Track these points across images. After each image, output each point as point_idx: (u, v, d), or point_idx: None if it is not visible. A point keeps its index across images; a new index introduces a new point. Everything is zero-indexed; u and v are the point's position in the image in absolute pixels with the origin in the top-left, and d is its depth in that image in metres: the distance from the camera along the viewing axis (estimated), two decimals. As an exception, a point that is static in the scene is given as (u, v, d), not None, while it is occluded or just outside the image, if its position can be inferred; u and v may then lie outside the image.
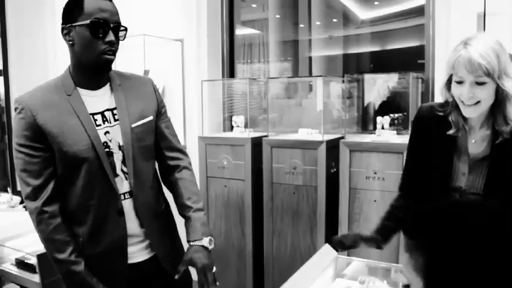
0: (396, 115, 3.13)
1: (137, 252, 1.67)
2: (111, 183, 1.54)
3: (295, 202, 3.13)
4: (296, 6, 6.09)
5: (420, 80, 3.24)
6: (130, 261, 1.65)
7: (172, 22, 3.67)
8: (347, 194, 2.92)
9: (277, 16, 6.23)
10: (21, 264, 2.25)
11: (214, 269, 1.62)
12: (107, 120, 1.58)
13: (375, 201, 2.85)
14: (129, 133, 1.58)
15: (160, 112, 1.74)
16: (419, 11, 4.13)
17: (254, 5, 6.10)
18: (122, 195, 1.59)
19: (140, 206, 1.63)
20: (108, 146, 1.56)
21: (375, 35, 6.40)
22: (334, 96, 3.81)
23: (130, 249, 1.64)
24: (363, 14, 6.48)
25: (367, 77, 3.76)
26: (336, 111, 3.78)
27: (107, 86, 1.62)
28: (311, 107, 3.86)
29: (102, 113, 1.58)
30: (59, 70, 3.93)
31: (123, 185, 1.60)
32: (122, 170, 1.60)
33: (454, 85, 1.50)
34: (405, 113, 3.18)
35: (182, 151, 1.80)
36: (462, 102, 1.49)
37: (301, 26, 6.29)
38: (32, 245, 2.32)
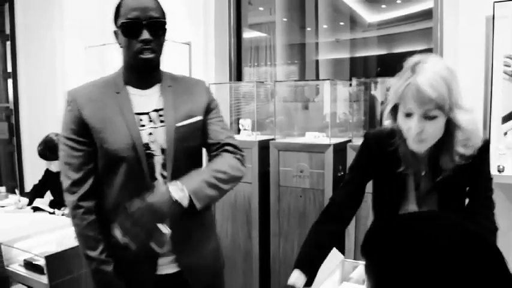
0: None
1: (168, 264, 1.60)
2: (147, 186, 1.48)
3: (302, 205, 3.13)
4: (303, 9, 6.10)
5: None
6: (160, 272, 1.59)
7: (179, 25, 3.68)
8: (354, 197, 2.91)
9: (284, 19, 6.24)
10: (29, 265, 2.27)
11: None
12: (152, 121, 1.54)
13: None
14: (172, 132, 1.52)
15: (209, 110, 1.65)
16: (426, 14, 4.12)
17: (261, 8, 6.11)
18: None
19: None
20: (149, 148, 1.52)
21: (382, 38, 6.39)
22: (341, 100, 3.81)
23: (161, 260, 1.58)
24: (370, 17, 6.48)
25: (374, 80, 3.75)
26: (343, 114, 3.78)
27: (157, 86, 1.58)
28: (318, 110, 3.86)
29: (148, 114, 1.54)
30: (66, 73, 3.98)
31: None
32: (162, 174, 1.54)
33: (401, 117, 1.36)
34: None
35: (231, 144, 1.61)
36: (409, 136, 1.36)
37: (308, 29, 6.30)
38: (40, 247, 2.34)
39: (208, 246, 1.72)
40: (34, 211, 2.99)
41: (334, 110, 3.65)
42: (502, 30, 2.49)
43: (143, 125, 1.52)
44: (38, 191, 3.22)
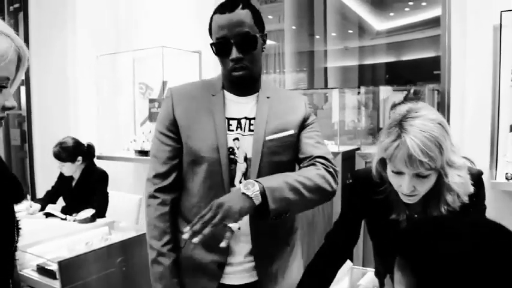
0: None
1: (236, 274, 1.53)
2: (224, 190, 1.45)
3: (311, 213, 3.14)
4: (312, 17, 6.14)
5: (436, 92, 3.24)
6: (225, 281, 1.53)
7: (190, 34, 3.73)
8: (362, 205, 2.92)
9: (293, 27, 6.28)
10: (42, 270, 2.30)
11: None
12: (240, 127, 1.50)
13: (390, 212, 2.84)
14: (260, 145, 1.47)
15: (305, 125, 1.56)
16: (434, 22, 4.14)
17: (270, 16, 6.16)
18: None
19: (255, 225, 1.49)
20: (233, 153, 1.49)
21: (390, 46, 6.42)
22: (349, 107, 3.83)
23: (228, 269, 1.52)
24: (378, 25, 6.51)
25: (383, 88, 3.77)
26: (351, 122, 3.80)
27: (254, 96, 1.54)
28: (326, 117, 3.88)
29: (238, 120, 1.51)
30: (78, 81, 4.03)
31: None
32: (241, 182, 1.47)
33: (391, 174, 1.31)
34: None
35: (324, 157, 1.48)
36: (400, 191, 1.32)
37: (317, 37, 6.34)
38: (52, 252, 2.38)
39: (291, 272, 1.65)
40: (46, 217, 3.03)
41: (342, 118, 3.67)
42: (509, 39, 2.50)
43: (231, 130, 1.50)
44: (50, 197, 3.26)
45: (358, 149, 3.08)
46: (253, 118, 1.50)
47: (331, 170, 1.45)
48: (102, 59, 4.05)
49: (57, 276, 2.16)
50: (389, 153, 1.24)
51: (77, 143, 3.07)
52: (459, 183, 1.30)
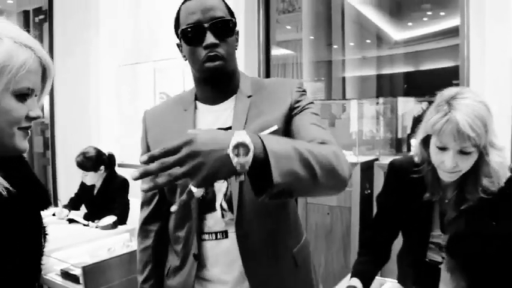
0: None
1: None
2: (198, 219, 1.24)
3: (329, 222, 3.16)
4: (330, 27, 6.17)
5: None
6: None
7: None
8: (381, 215, 2.93)
9: (311, 37, 6.31)
10: (65, 274, 2.36)
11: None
12: None
13: (408, 223, 2.85)
14: None
15: (293, 111, 1.24)
16: (453, 32, 4.13)
17: (289, 27, 6.21)
18: (212, 235, 1.24)
19: (248, 253, 1.21)
20: None
21: (408, 56, 6.40)
22: (367, 117, 3.84)
23: None
24: (396, 34, 6.50)
25: (401, 99, 3.78)
26: (369, 132, 3.81)
27: (231, 100, 1.28)
28: (344, 127, 3.90)
29: None
30: (100, 90, 4.12)
31: (217, 222, 1.24)
32: (221, 206, 1.24)
33: (434, 150, 1.36)
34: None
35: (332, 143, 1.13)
36: (441, 168, 1.37)
37: (335, 46, 6.36)
38: (75, 257, 2.44)
39: None
40: (70, 223, 3.11)
41: (360, 128, 3.69)
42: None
43: None
44: (74, 204, 3.34)
45: (376, 159, 3.09)
46: (230, 127, 1.23)
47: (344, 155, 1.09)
48: (124, 68, 4.13)
49: (81, 281, 2.22)
50: (438, 128, 1.29)
51: (99, 153, 3.15)
52: (499, 162, 1.35)
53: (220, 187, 1.24)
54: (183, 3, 1.25)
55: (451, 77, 3.77)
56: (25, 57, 0.92)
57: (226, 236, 1.23)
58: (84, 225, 3.03)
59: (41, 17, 5.16)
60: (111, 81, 4.15)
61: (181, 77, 3.68)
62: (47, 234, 1.22)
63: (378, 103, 3.52)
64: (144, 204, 1.41)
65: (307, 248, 1.39)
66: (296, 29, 6.37)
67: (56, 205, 3.48)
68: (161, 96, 4.06)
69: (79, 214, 3.22)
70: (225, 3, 1.25)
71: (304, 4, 6.05)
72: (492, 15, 2.67)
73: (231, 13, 1.25)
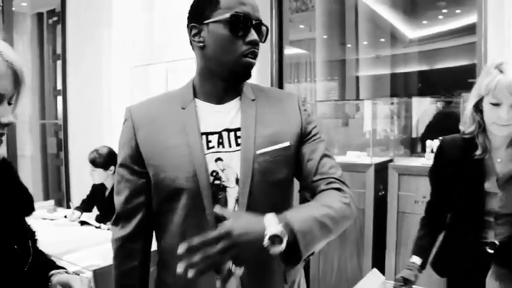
0: (446, 138, 3.08)
1: None
2: (208, 226, 1.14)
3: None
4: (343, 26, 6.11)
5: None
6: None
7: (222, 45, 3.76)
8: (395, 217, 2.89)
9: (324, 36, 6.26)
10: (76, 278, 2.36)
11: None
12: (222, 143, 1.20)
13: (423, 225, 2.80)
14: (250, 161, 1.17)
15: (305, 134, 1.26)
16: (469, 30, 4.06)
17: (302, 26, 6.17)
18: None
19: (249, 273, 1.12)
20: (218, 178, 1.18)
21: (423, 54, 6.32)
22: (381, 118, 3.79)
23: None
24: (411, 33, 6.42)
25: (415, 99, 3.72)
26: (383, 131, 3.76)
27: (236, 100, 1.24)
28: (358, 126, 3.85)
29: (219, 134, 1.20)
30: (112, 91, 4.12)
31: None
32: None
33: (488, 108, 1.54)
34: (455, 136, 3.12)
35: (338, 180, 1.20)
36: (495, 123, 1.54)
37: (348, 45, 6.30)
38: (87, 260, 2.43)
39: None
40: (81, 225, 3.11)
41: (374, 127, 3.64)
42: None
43: (211, 148, 1.19)
44: (86, 206, 3.35)
45: (391, 160, 3.04)
46: (238, 129, 1.20)
47: (349, 199, 1.16)
48: (136, 70, 4.12)
49: (92, 284, 2.20)
50: (492, 86, 1.50)
51: (112, 153, 3.14)
52: None
53: (233, 192, 1.19)
54: None
55: (466, 75, 3.70)
56: None
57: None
58: (96, 227, 3.03)
59: (55, 19, 5.20)
60: (123, 82, 4.15)
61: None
62: (36, 239, 1.20)
63: (392, 103, 3.47)
64: (122, 218, 1.25)
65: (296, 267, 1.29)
66: (309, 28, 6.33)
67: (68, 207, 3.48)
68: (173, 97, 4.04)
69: (91, 216, 3.21)
70: None
71: (317, 3, 6.00)
72: (511, 13, 2.61)
73: None
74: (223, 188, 1.18)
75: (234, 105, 1.23)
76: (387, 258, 2.94)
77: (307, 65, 6.42)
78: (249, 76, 1.20)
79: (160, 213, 1.24)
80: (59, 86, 4.81)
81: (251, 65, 1.17)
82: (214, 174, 1.18)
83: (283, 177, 1.22)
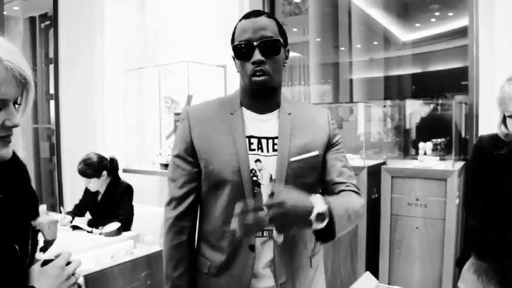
0: (439, 140, 3.09)
1: None
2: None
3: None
4: (336, 29, 6.11)
5: (464, 104, 3.19)
6: None
7: (215, 49, 3.76)
8: (388, 220, 2.88)
9: (318, 39, 6.27)
10: (68, 283, 2.33)
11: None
12: (261, 148, 1.42)
13: (416, 228, 2.80)
14: (285, 166, 1.39)
15: (330, 144, 1.48)
16: (461, 32, 4.07)
17: (295, 29, 6.17)
18: (263, 232, 1.41)
19: (281, 251, 1.41)
20: (255, 175, 1.40)
21: (416, 57, 6.33)
22: (375, 120, 3.79)
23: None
24: (404, 36, 6.43)
25: (409, 102, 3.72)
26: (377, 133, 3.76)
27: (275, 112, 1.46)
28: (352, 130, 3.85)
29: (259, 139, 1.42)
30: (105, 95, 4.11)
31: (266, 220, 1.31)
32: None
33: (509, 121, 1.66)
34: (448, 138, 3.13)
35: (355, 185, 1.45)
36: None
37: (342, 48, 6.31)
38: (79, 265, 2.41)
39: None
40: (73, 230, 3.08)
41: (368, 130, 3.64)
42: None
43: (252, 149, 1.41)
44: (78, 210, 3.32)
45: (384, 163, 3.04)
46: (276, 137, 1.42)
47: (363, 202, 1.41)
48: (129, 73, 4.11)
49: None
50: (501, 98, 1.66)
51: (101, 158, 3.12)
52: None
53: (266, 189, 1.40)
54: (239, 21, 1.41)
55: (459, 78, 3.71)
56: None
57: (271, 236, 1.40)
58: (88, 231, 3.01)
59: (47, 22, 5.18)
60: (116, 86, 4.14)
61: (185, 81, 3.66)
62: (37, 241, 1.19)
63: (385, 106, 3.47)
64: (175, 200, 1.46)
65: (320, 252, 1.58)
66: (303, 32, 6.33)
67: (60, 211, 3.46)
68: (166, 101, 4.04)
69: (83, 221, 3.19)
70: (278, 24, 1.42)
71: (310, 6, 6.01)
72: (502, 15, 2.63)
73: (282, 32, 1.42)
74: (258, 185, 1.40)
75: (273, 116, 1.45)
76: (381, 261, 2.94)
77: (300, 68, 6.43)
78: (266, 92, 1.41)
79: (207, 199, 1.46)
80: (52, 90, 4.79)
81: (260, 83, 1.36)
82: (253, 172, 1.39)
83: (312, 180, 1.45)
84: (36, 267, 1.11)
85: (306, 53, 6.27)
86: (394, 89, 6.34)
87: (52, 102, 4.79)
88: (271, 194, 1.20)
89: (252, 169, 1.39)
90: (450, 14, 5.97)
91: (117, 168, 3.25)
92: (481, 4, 2.86)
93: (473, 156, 1.88)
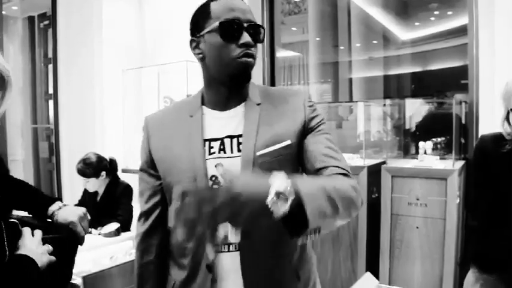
0: (439, 139, 3.08)
1: None
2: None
3: (336, 228, 3.09)
4: (336, 28, 6.12)
5: (464, 103, 3.19)
6: None
7: (214, 48, 3.75)
8: (389, 220, 2.87)
9: (317, 38, 6.27)
10: (67, 284, 2.33)
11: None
12: (223, 149, 1.24)
13: (417, 227, 2.79)
14: (250, 164, 1.19)
15: (308, 129, 1.25)
16: (461, 31, 4.07)
17: (294, 28, 6.17)
18: (226, 246, 1.21)
19: (249, 264, 1.20)
20: (217, 182, 1.22)
21: (416, 56, 6.34)
22: (375, 119, 3.79)
23: None
24: (403, 34, 6.44)
25: (408, 101, 3.72)
26: (377, 132, 3.76)
27: (241, 106, 1.27)
28: (351, 129, 3.84)
29: (221, 140, 1.25)
30: (105, 95, 4.10)
31: (230, 233, 1.10)
32: None
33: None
34: (448, 137, 3.12)
35: (344, 169, 1.18)
36: None
37: (341, 47, 6.31)
38: (77, 265, 2.39)
39: None
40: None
41: (368, 129, 3.63)
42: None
43: (212, 153, 1.23)
44: (77, 211, 3.31)
45: (384, 162, 3.03)
46: (241, 135, 1.23)
47: (356, 186, 1.12)
48: (128, 73, 4.10)
49: (82, 289, 2.18)
50: (504, 94, 1.68)
51: (100, 159, 3.11)
52: None
53: None
54: (213, 0, 1.23)
55: (459, 76, 3.71)
56: None
57: (238, 249, 1.20)
58: (87, 232, 2.99)
59: (46, 22, 5.17)
60: (115, 85, 4.13)
61: (185, 80, 3.65)
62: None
63: (385, 105, 3.46)
64: (143, 216, 1.36)
65: (310, 261, 1.34)
66: (302, 31, 6.34)
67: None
68: (165, 100, 4.02)
69: (82, 221, 3.18)
70: None
71: (310, 6, 6.02)
72: (501, 14, 2.62)
73: None
74: None
75: (238, 111, 1.27)
76: (381, 261, 2.93)
77: (300, 68, 6.44)
78: (248, 77, 1.24)
79: (170, 212, 1.33)
80: (51, 90, 4.78)
81: (247, 65, 1.20)
82: (213, 179, 1.21)
83: None
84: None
85: (305, 52, 6.28)
86: (394, 88, 6.35)
87: (51, 102, 4.78)
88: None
89: (212, 176, 1.22)
90: (449, 12, 5.98)
91: (116, 169, 3.24)
92: (481, 2, 2.85)
93: (475, 155, 1.86)
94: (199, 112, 1.28)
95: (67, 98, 4.49)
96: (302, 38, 6.35)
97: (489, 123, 2.68)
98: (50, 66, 4.74)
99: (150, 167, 1.32)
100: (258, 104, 1.27)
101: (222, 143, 1.24)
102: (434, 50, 6.27)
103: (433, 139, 3.03)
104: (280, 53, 4.73)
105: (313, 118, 1.26)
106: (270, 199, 0.86)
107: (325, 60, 6.45)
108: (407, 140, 3.69)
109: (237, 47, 1.18)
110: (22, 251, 1.13)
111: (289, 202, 0.87)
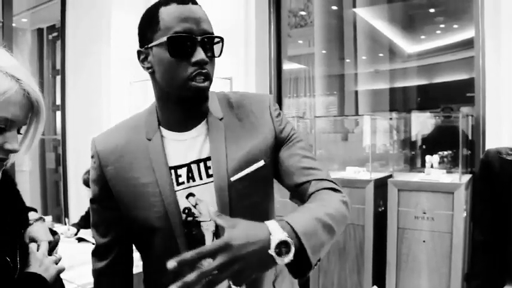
0: (445, 153, 3.08)
1: None
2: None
3: (342, 241, 3.09)
4: (342, 41, 6.14)
5: (470, 116, 3.18)
6: None
7: (220, 61, 3.76)
8: (395, 233, 2.86)
9: (323, 51, 6.29)
10: (73, 295, 2.32)
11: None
12: (192, 177, 1.10)
13: (423, 241, 2.78)
14: (225, 190, 1.07)
15: (280, 141, 1.14)
16: (467, 44, 4.07)
17: (300, 41, 6.20)
18: None
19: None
20: (191, 214, 1.09)
21: (421, 69, 6.34)
22: (381, 132, 3.78)
23: None
24: (409, 47, 6.45)
25: (414, 114, 3.72)
26: (382, 145, 3.75)
27: (203, 124, 1.12)
28: (357, 142, 3.84)
29: (188, 166, 1.10)
30: (112, 106, 4.12)
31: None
32: None
33: None
34: (454, 151, 3.12)
35: (330, 181, 1.10)
36: None
37: (347, 60, 6.32)
38: (84, 277, 2.40)
39: None
40: (79, 242, 3.07)
41: (373, 142, 3.63)
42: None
43: (181, 183, 1.10)
44: (84, 222, 3.31)
45: (390, 176, 3.02)
46: (208, 158, 1.10)
47: (345, 198, 1.06)
48: (135, 85, 4.13)
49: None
50: None
51: (105, 169, 3.12)
52: None
53: (208, 226, 1.11)
54: (163, 5, 1.05)
55: (465, 89, 3.71)
56: (7, 87, 0.88)
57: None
58: (93, 243, 2.99)
59: (55, 34, 5.23)
60: (122, 97, 4.15)
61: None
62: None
63: (391, 118, 3.47)
64: (101, 249, 1.19)
65: (290, 278, 1.20)
66: (308, 44, 6.36)
67: (65, 223, 3.46)
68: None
69: (88, 232, 3.18)
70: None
71: (316, 18, 6.04)
72: (508, 27, 2.63)
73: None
74: (197, 224, 1.10)
75: (200, 130, 1.12)
76: (388, 274, 2.91)
77: (306, 80, 6.45)
78: (203, 100, 1.11)
79: (137, 247, 1.20)
80: (58, 101, 4.81)
81: (200, 90, 1.03)
82: (186, 211, 1.10)
83: (260, 200, 1.14)
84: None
85: (311, 65, 6.30)
86: (400, 101, 6.35)
87: (58, 113, 4.81)
88: (216, 230, 1.02)
89: (185, 208, 1.09)
90: (455, 26, 5.99)
91: (122, 180, 3.24)
92: (487, 16, 2.86)
93: (481, 169, 1.87)
94: (157, 134, 1.12)
95: (74, 109, 4.52)
96: (308, 51, 6.38)
97: (495, 137, 2.68)
98: (58, 78, 4.78)
99: (106, 198, 1.15)
100: (221, 119, 1.13)
101: (190, 170, 1.10)
102: (441, 63, 6.27)
103: (440, 152, 3.02)
104: (287, 66, 4.75)
105: (283, 129, 1.15)
106: (272, 250, 0.81)
107: (331, 73, 6.47)
108: (414, 153, 3.69)
109: (189, 65, 1.02)
110: (32, 268, 1.11)
111: (292, 250, 0.82)
